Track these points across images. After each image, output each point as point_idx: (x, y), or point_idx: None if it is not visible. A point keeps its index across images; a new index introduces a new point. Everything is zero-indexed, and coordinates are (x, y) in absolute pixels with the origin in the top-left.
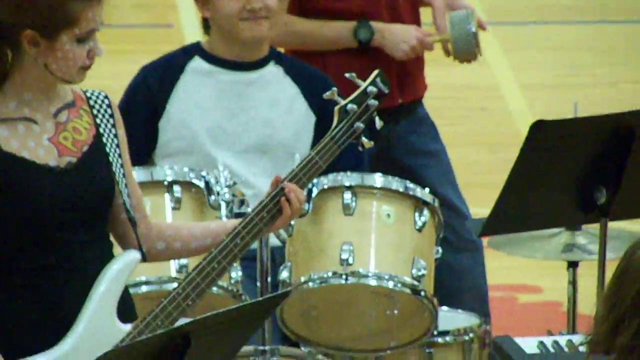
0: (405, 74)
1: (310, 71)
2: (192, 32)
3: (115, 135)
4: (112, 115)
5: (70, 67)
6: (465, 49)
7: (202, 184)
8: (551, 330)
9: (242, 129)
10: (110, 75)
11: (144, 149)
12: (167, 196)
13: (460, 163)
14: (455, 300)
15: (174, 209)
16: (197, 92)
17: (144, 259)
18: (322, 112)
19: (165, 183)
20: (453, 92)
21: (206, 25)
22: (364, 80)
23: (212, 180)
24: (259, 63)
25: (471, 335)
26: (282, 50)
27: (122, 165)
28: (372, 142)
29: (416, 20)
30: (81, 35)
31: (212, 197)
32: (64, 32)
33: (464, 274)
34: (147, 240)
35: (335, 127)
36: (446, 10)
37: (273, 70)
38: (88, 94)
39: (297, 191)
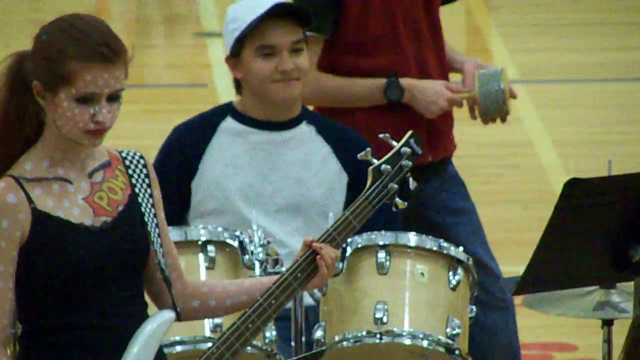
0: (435, 132)
1: (343, 130)
2: (225, 92)
3: (151, 195)
4: (147, 175)
5: (72, 127)
6: (492, 107)
7: (236, 244)
8: None
9: (274, 189)
10: (144, 134)
11: (177, 210)
12: (201, 256)
13: (493, 221)
14: (488, 358)
15: (207, 268)
16: (230, 152)
17: (179, 318)
18: (355, 171)
19: (199, 243)
20: (486, 149)
21: (238, 85)
22: (397, 140)
23: (246, 240)
24: (291, 123)
25: None
26: (311, 107)
27: (157, 225)
28: (406, 203)
29: (444, 73)
30: (78, 96)
31: (246, 257)
32: (62, 89)
33: (496, 332)
34: (182, 299)
35: (369, 187)
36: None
37: (305, 130)
38: (124, 154)
39: (330, 251)
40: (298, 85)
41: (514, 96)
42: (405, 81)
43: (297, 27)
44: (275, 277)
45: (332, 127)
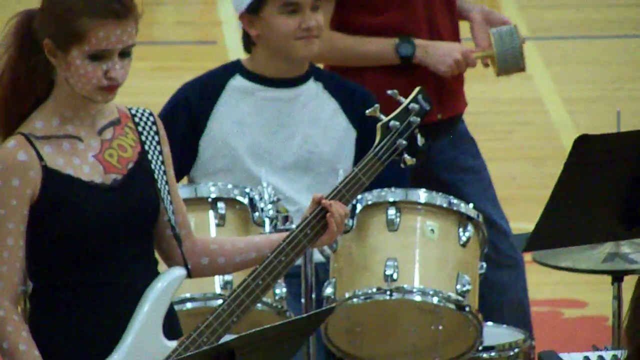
0: (445, 90)
1: (350, 86)
2: (235, 49)
3: (160, 153)
4: (157, 132)
5: (85, 84)
6: (511, 65)
7: (246, 201)
8: (596, 345)
9: (283, 146)
10: (153, 91)
11: (182, 167)
12: (211, 213)
13: (504, 177)
14: (497, 315)
15: (218, 225)
16: (238, 110)
17: (189, 275)
18: (363, 127)
19: (209, 200)
20: (496, 106)
21: (247, 42)
22: (405, 97)
23: (256, 197)
24: (299, 79)
25: (516, 350)
26: (321, 66)
27: (167, 182)
28: (414, 159)
29: (455, 35)
30: (91, 53)
31: (256, 214)
32: (74, 47)
33: (505, 290)
34: (192, 256)
35: (378, 143)
36: (484, 25)
37: (313, 86)
38: (133, 112)
39: (340, 208)
40: (317, 43)
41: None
42: (417, 40)
43: None
44: (285, 234)
45: (339, 83)
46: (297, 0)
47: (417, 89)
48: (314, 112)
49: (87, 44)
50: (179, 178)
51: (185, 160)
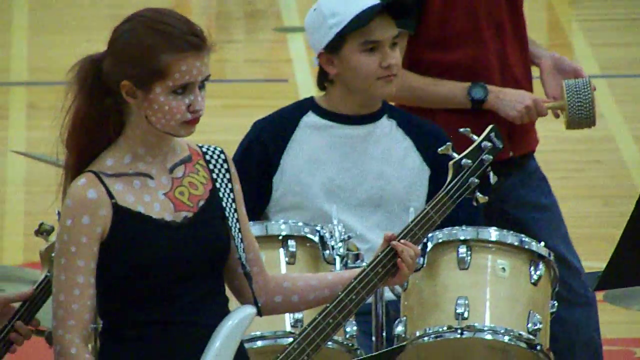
0: (517, 128)
1: (423, 124)
2: (306, 87)
3: (232, 190)
4: (228, 170)
5: (169, 119)
6: (583, 118)
7: (316, 239)
8: None
9: (356, 183)
10: (224, 129)
11: (257, 205)
12: (281, 251)
13: (574, 216)
14: (569, 355)
15: (288, 263)
16: (311, 147)
17: (260, 313)
18: (436, 165)
19: (280, 237)
20: (567, 144)
21: (323, 80)
22: (477, 135)
23: (327, 235)
24: (373, 116)
25: None
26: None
27: (237, 220)
28: (487, 198)
29: (527, 77)
30: (175, 88)
31: (327, 252)
32: (157, 84)
33: (578, 328)
34: (265, 294)
35: (450, 181)
36: (555, 73)
37: (386, 124)
38: (204, 149)
39: (410, 250)
40: (396, 82)
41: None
42: (489, 85)
43: (393, 21)
44: (357, 271)
45: (412, 120)
46: (378, 38)
47: (490, 127)
48: (387, 150)
49: (171, 80)
50: (255, 216)
51: (259, 199)
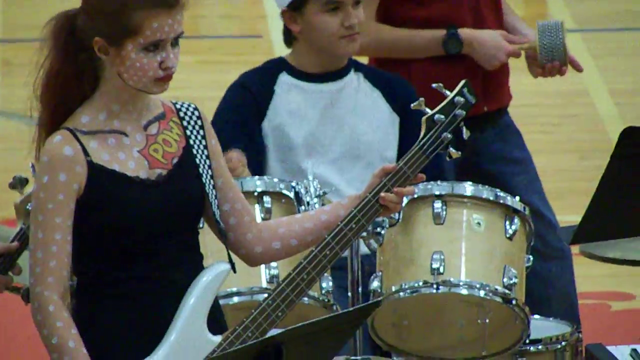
0: (491, 82)
1: (386, 74)
2: (281, 44)
3: (205, 147)
4: (202, 127)
5: (141, 76)
6: (552, 58)
7: (292, 194)
8: None
9: (333, 138)
10: (199, 85)
11: (259, 149)
12: (257, 207)
13: (550, 170)
14: (544, 308)
15: (263, 219)
16: (292, 103)
17: (234, 270)
18: (404, 111)
19: (255, 194)
20: (542, 99)
21: (288, 37)
22: (451, 89)
23: (302, 190)
24: (341, 72)
25: (563, 343)
26: (359, 58)
27: (212, 177)
28: (460, 153)
29: (499, 23)
30: (146, 45)
31: (302, 208)
32: (129, 41)
33: (553, 282)
34: (261, 242)
35: (423, 137)
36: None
37: (354, 78)
38: (178, 106)
39: (388, 196)
40: (359, 39)
41: (578, 68)
42: (464, 32)
43: None
44: (352, 204)
45: (376, 72)
46: None
47: (462, 81)
48: (358, 103)
49: (142, 37)
50: (258, 164)
51: (257, 143)
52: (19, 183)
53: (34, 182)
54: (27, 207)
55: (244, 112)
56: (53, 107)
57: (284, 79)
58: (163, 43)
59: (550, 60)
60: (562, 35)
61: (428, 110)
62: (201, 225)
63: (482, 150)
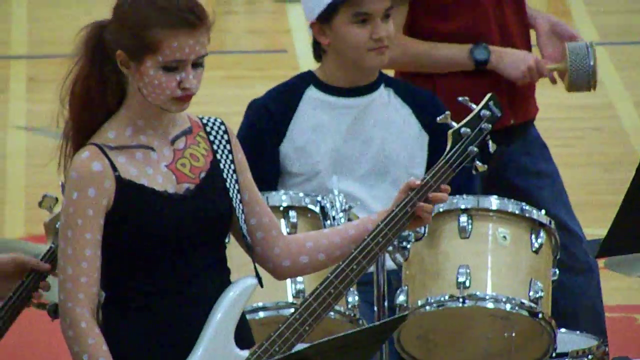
0: (517, 95)
1: (418, 91)
2: (305, 57)
3: (232, 161)
4: (228, 141)
5: (159, 94)
6: (582, 83)
7: (317, 209)
8: None
9: (360, 153)
10: (224, 100)
11: (270, 174)
12: (283, 221)
13: (576, 183)
14: (571, 321)
15: (289, 234)
16: (315, 119)
17: (261, 284)
18: (434, 131)
19: (281, 208)
20: (567, 112)
21: (317, 51)
22: (477, 103)
23: (328, 205)
24: (371, 87)
25: (590, 357)
26: (391, 72)
27: (239, 191)
28: (486, 166)
29: (526, 39)
30: (165, 64)
31: (328, 222)
32: (148, 57)
33: (579, 295)
34: (289, 256)
35: (449, 150)
36: (551, 35)
37: (384, 93)
38: (204, 121)
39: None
40: (387, 53)
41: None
42: (491, 46)
43: None
44: (377, 220)
45: (407, 88)
46: (368, 10)
47: (489, 95)
48: (387, 119)
49: (161, 55)
50: (268, 186)
51: (271, 168)
52: (48, 202)
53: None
54: (57, 225)
55: (259, 136)
56: (77, 115)
57: (311, 93)
58: (183, 63)
59: (577, 86)
60: (593, 60)
61: (454, 123)
62: (227, 240)
63: (509, 163)
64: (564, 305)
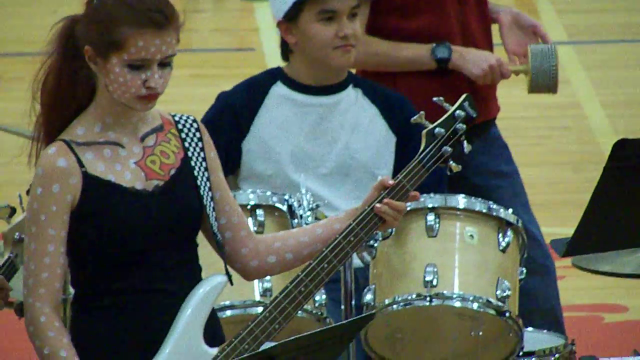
0: (477, 94)
1: (386, 92)
2: (273, 56)
3: (204, 159)
4: (200, 139)
5: (124, 92)
6: (543, 85)
7: (284, 208)
8: (637, 350)
9: (324, 152)
10: (192, 98)
11: (225, 170)
12: (250, 220)
13: (543, 182)
14: (528, 323)
15: (256, 232)
16: (280, 116)
17: (231, 282)
18: (402, 132)
19: (249, 207)
20: (535, 111)
21: (285, 50)
22: (435, 104)
23: (295, 204)
24: (339, 86)
25: (557, 355)
26: (354, 70)
27: (209, 189)
28: (460, 167)
29: (488, 39)
30: (130, 62)
31: (295, 221)
32: (113, 55)
33: (536, 297)
34: (258, 256)
35: (423, 150)
36: (514, 27)
37: (352, 93)
38: (177, 118)
39: (391, 204)
40: (354, 52)
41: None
42: (453, 45)
43: None
44: (347, 222)
45: (377, 89)
46: (334, 8)
47: (464, 95)
48: (354, 119)
49: (126, 53)
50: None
51: (227, 165)
52: (5, 212)
53: (22, 211)
54: (15, 236)
55: (222, 135)
56: (48, 110)
57: (277, 89)
58: (149, 62)
59: (538, 88)
60: (555, 62)
61: (428, 124)
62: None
63: (469, 162)
64: (521, 306)
